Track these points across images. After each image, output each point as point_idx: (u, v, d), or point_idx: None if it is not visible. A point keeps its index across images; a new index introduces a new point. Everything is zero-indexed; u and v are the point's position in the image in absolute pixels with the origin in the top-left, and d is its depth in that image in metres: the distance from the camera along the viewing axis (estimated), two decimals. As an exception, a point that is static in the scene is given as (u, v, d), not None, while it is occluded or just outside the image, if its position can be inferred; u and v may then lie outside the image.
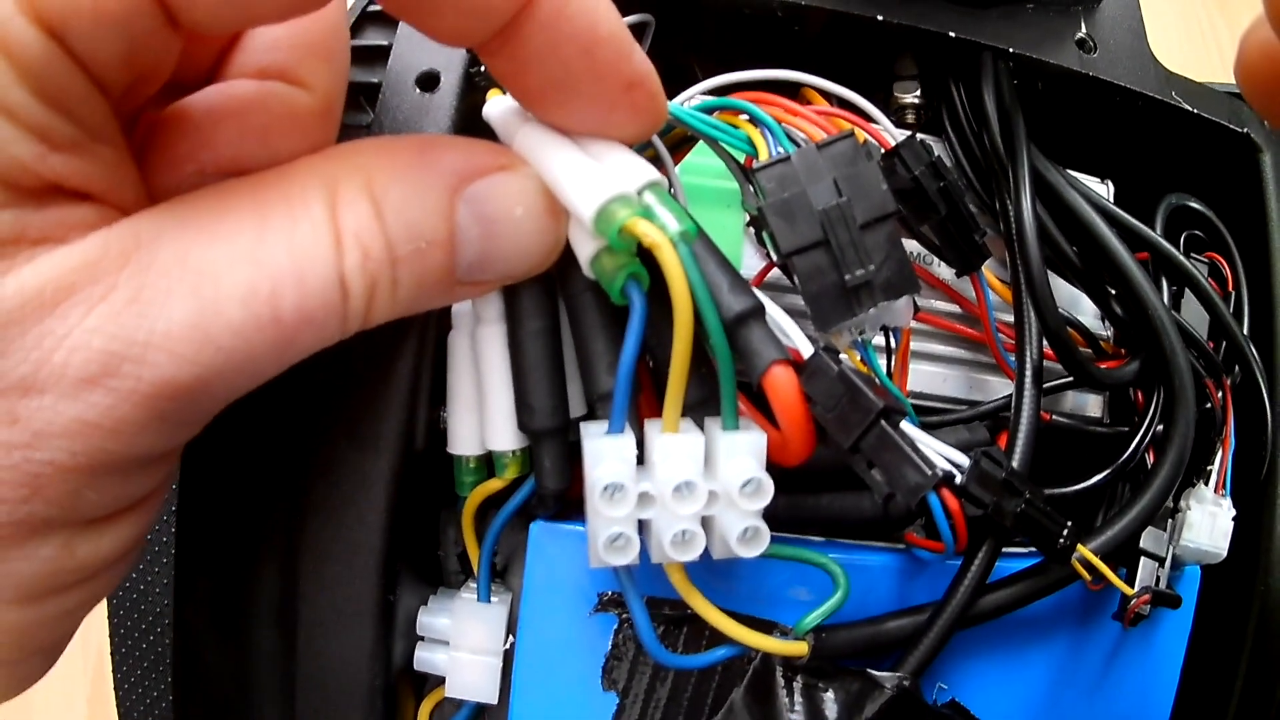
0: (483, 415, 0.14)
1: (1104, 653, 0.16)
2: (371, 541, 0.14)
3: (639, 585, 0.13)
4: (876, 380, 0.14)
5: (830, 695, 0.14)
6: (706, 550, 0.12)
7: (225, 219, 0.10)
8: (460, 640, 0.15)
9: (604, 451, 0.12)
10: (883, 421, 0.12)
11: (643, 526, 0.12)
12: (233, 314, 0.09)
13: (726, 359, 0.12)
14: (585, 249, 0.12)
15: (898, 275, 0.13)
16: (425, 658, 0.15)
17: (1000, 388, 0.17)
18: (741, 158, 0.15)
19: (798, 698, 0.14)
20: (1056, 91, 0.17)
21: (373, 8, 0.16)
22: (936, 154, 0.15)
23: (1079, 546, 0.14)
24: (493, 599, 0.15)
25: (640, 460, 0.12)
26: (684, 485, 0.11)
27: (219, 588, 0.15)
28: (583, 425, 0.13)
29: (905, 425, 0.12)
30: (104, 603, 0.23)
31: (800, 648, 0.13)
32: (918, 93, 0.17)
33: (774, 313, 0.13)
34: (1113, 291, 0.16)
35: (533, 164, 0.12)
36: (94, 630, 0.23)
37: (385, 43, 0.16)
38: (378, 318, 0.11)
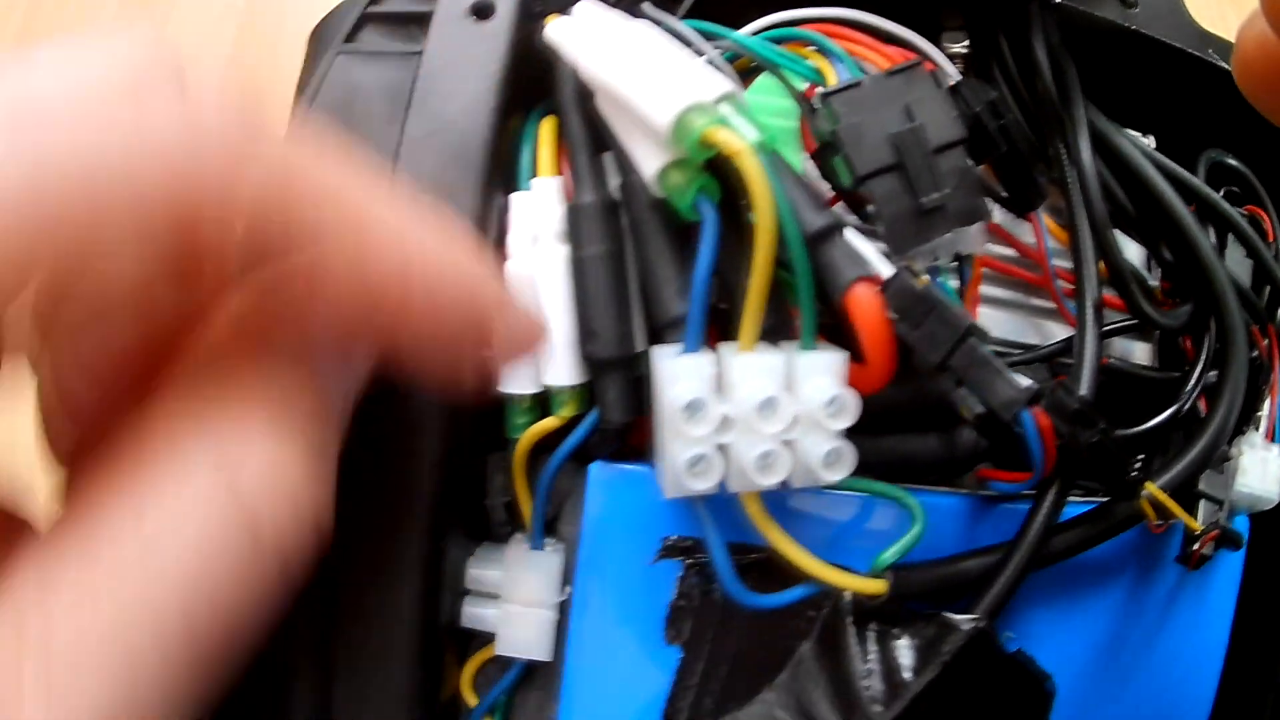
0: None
1: (1160, 599, 0.16)
2: (422, 485, 0.13)
3: (709, 520, 0.12)
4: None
5: (904, 641, 0.13)
6: (783, 483, 0.11)
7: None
8: (512, 592, 0.14)
9: (681, 369, 0.11)
10: (971, 338, 0.11)
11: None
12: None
13: (806, 274, 0.11)
14: (652, 163, 0.12)
15: (970, 201, 0.13)
16: (473, 613, 0.14)
17: (1057, 332, 0.17)
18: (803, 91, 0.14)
19: (870, 645, 0.13)
20: (1099, 46, 0.17)
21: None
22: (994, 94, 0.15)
23: (1147, 484, 0.14)
24: (545, 548, 0.14)
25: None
26: (768, 402, 0.11)
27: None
28: (653, 349, 0.12)
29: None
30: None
31: (879, 585, 0.13)
32: (965, 44, 0.17)
33: (848, 232, 0.12)
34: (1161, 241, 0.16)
35: (604, 81, 0.12)
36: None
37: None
38: None
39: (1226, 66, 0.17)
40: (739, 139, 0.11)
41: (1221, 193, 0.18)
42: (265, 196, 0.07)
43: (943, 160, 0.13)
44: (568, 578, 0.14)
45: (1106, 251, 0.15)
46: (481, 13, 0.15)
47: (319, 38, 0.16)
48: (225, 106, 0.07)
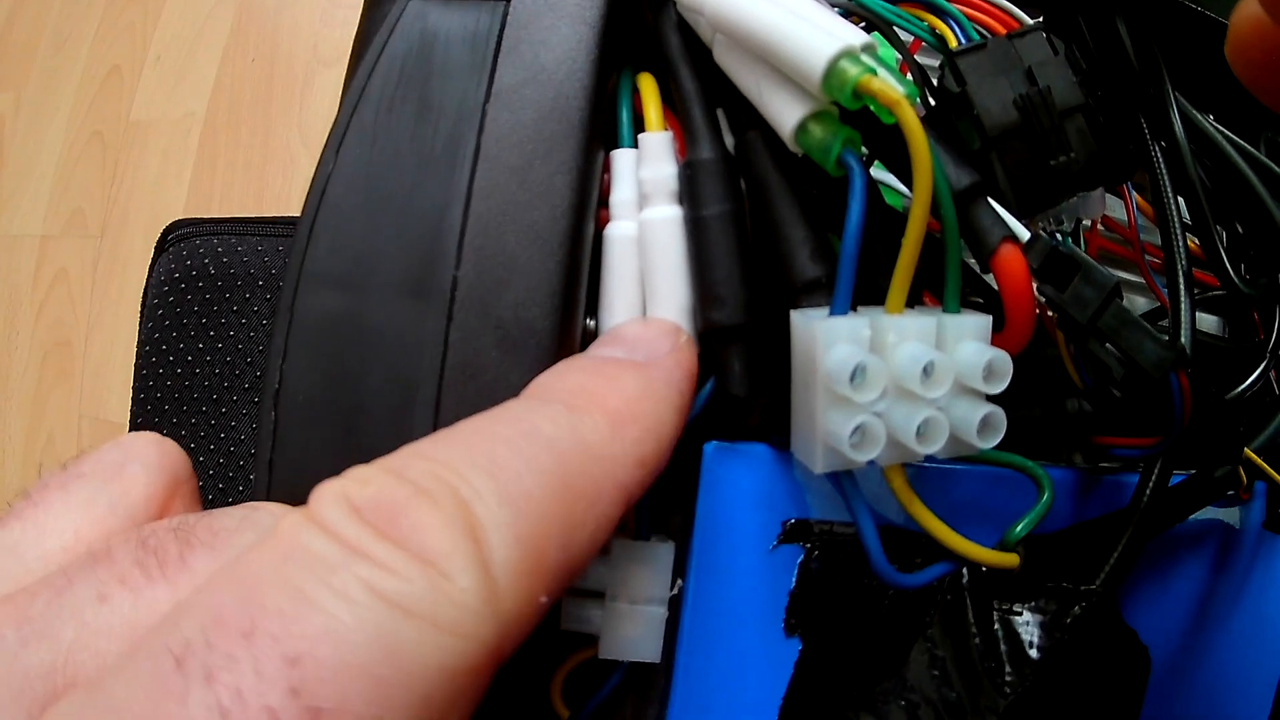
0: (650, 317, 0.13)
1: (1243, 569, 0.16)
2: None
3: (857, 497, 0.11)
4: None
5: (1026, 618, 0.13)
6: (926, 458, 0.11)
7: None
8: (619, 588, 0.13)
9: (838, 332, 0.10)
10: (1119, 297, 0.11)
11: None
12: None
13: (954, 234, 0.11)
14: (791, 117, 0.11)
15: (1094, 165, 0.13)
16: (575, 613, 0.13)
17: (1144, 307, 0.17)
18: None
19: (995, 625, 0.13)
20: (1165, 25, 0.18)
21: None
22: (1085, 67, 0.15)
23: (1245, 450, 0.14)
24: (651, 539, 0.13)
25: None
26: (929, 366, 0.10)
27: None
28: (794, 314, 0.11)
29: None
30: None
31: (1012, 558, 0.12)
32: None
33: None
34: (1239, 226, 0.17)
35: (743, 25, 0.11)
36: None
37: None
38: None
39: None
40: (896, 88, 0.10)
41: (1274, 173, 0.19)
42: None
43: (1068, 123, 0.12)
44: (679, 570, 0.13)
45: (1201, 222, 0.15)
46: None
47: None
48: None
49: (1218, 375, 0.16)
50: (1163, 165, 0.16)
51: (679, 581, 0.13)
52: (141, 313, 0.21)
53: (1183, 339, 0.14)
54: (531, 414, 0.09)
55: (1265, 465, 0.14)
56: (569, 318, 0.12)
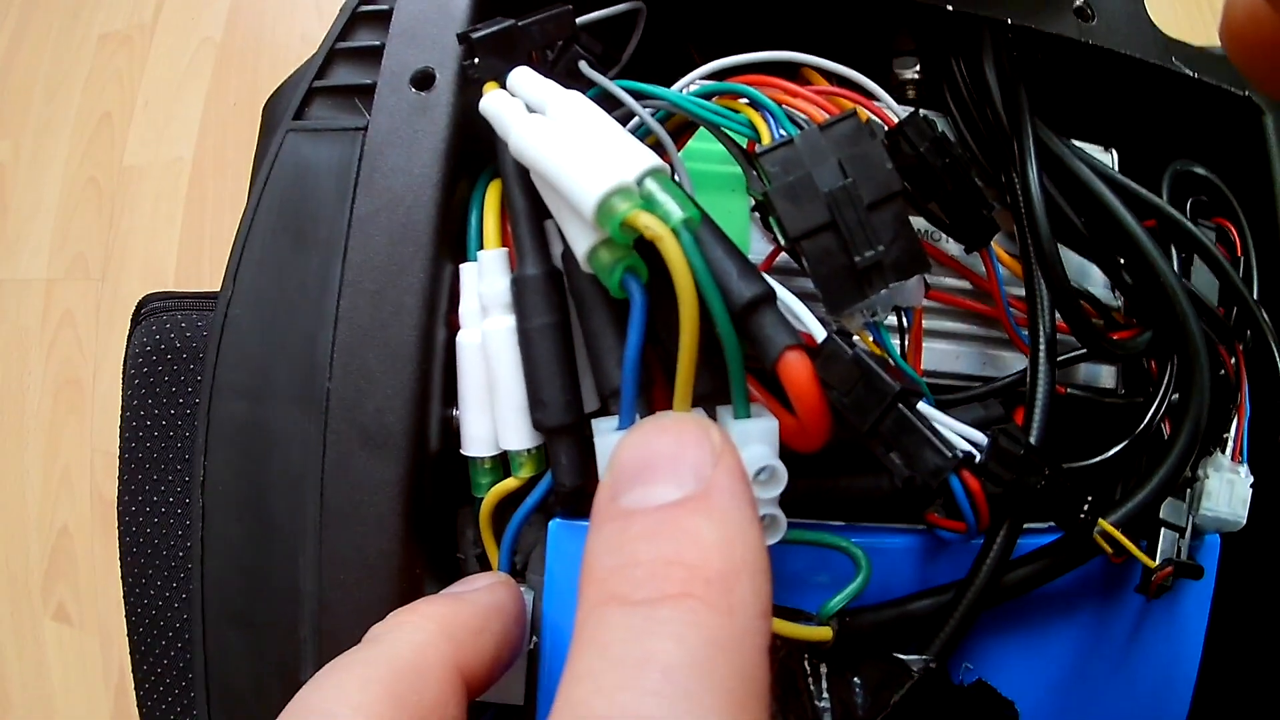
0: (495, 414, 0.14)
1: (1127, 625, 0.16)
2: (390, 546, 0.14)
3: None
4: (891, 362, 0.14)
5: (858, 681, 0.14)
6: None
7: None
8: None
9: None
10: (900, 404, 0.12)
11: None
12: None
13: (734, 347, 0.11)
14: (582, 243, 0.12)
15: (907, 255, 0.13)
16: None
17: (1014, 362, 0.17)
18: (744, 143, 0.14)
19: (824, 685, 0.14)
20: (1057, 61, 0.17)
21: (364, 8, 0.16)
22: (940, 129, 0.14)
23: (1100, 520, 0.14)
24: (513, 599, 0.15)
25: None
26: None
27: (243, 594, 0.15)
28: (594, 422, 0.13)
29: (922, 406, 0.12)
30: (124, 620, 0.23)
31: (824, 633, 0.13)
32: (917, 68, 0.17)
33: (784, 296, 0.12)
34: (1122, 261, 0.16)
35: (531, 162, 0.12)
36: (116, 648, 0.23)
37: (378, 43, 0.15)
38: None
39: (1190, 74, 0.17)
40: (659, 224, 0.11)
41: (1189, 203, 0.18)
42: None
43: (877, 215, 0.13)
44: (536, 626, 0.15)
45: (1052, 283, 0.15)
46: (422, 83, 0.15)
47: (271, 111, 0.16)
48: None
49: (1108, 429, 0.16)
50: (1023, 224, 0.15)
51: (534, 639, 0.15)
52: (123, 379, 0.24)
53: (1036, 416, 0.14)
54: (643, 640, 0.08)
55: (1122, 538, 0.14)
56: (423, 417, 0.14)
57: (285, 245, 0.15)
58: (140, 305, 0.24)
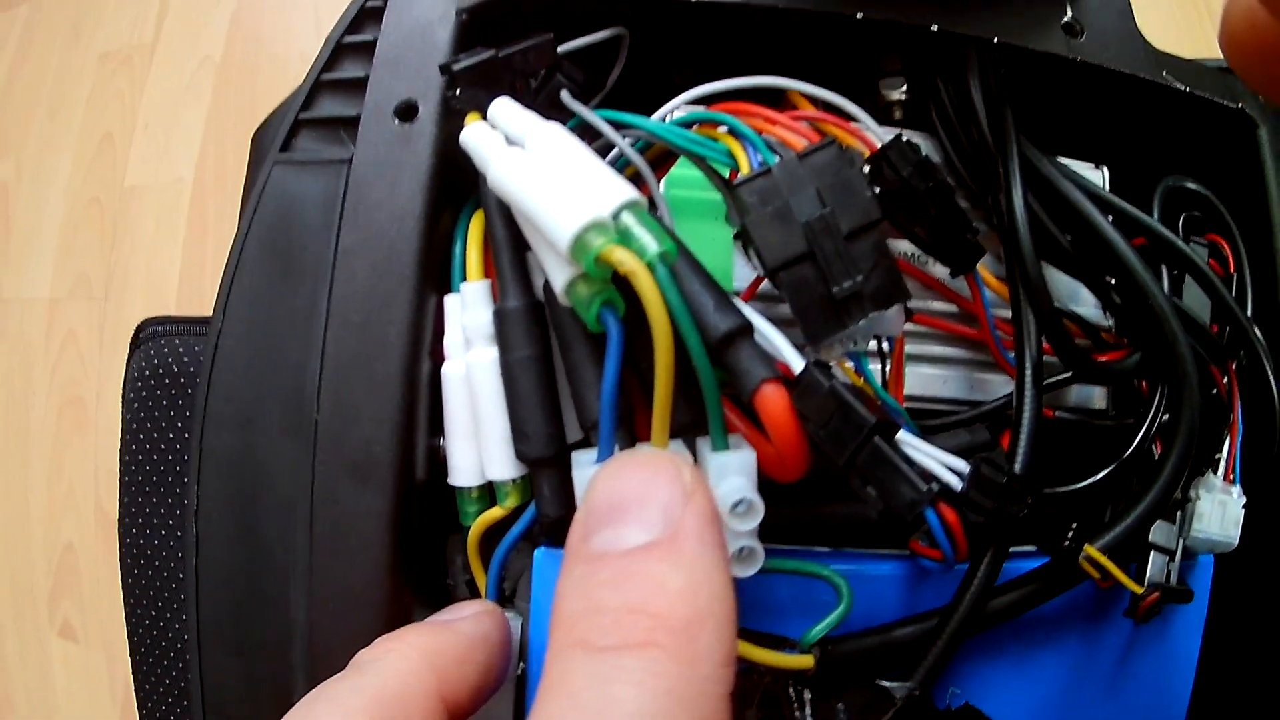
0: (480, 445, 0.14)
1: (1118, 648, 0.16)
2: (378, 575, 0.14)
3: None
4: (870, 393, 0.14)
5: (841, 707, 0.14)
6: None
7: None
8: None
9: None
10: (876, 438, 0.12)
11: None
12: None
13: (710, 382, 0.11)
14: (560, 277, 0.12)
15: (887, 283, 0.13)
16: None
17: (1001, 386, 0.16)
18: (725, 171, 0.14)
19: (809, 712, 0.14)
20: (1045, 79, 0.17)
21: (349, 39, 0.16)
22: (924, 152, 0.14)
23: (1086, 546, 0.14)
24: (501, 624, 0.15)
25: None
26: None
27: (236, 622, 0.15)
28: (574, 454, 0.13)
29: (903, 434, 0.12)
30: (125, 639, 0.23)
31: (806, 661, 0.13)
32: (903, 89, 0.17)
33: (764, 326, 0.12)
34: (1111, 281, 0.16)
35: (509, 197, 0.12)
36: (121, 665, 0.23)
37: (362, 74, 0.16)
38: None
39: (1182, 88, 0.17)
40: (633, 259, 0.11)
41: (1182, 219, 0.18)
42: None
43: (856, 245, 0.13)
44: (524, 653, 0.15)
45: (1037, 306, 0.15)
46: (405, 114, 0.15)
47: (259, 144, 0.16)
48: None
49: (1099, 451, 0.16)
50: (1009, 246, 0.15)
51: (521, 664, 0.15)
52: (122, 403, 0.24)
53: (1021, 442, 0.14)
54: (606, 687, 0.08)
55: (1108, 563, 0.14)
56: (409, 449, 0.14)
57: (273, 277, 0.15)
58: (139, 330, 0.24)
